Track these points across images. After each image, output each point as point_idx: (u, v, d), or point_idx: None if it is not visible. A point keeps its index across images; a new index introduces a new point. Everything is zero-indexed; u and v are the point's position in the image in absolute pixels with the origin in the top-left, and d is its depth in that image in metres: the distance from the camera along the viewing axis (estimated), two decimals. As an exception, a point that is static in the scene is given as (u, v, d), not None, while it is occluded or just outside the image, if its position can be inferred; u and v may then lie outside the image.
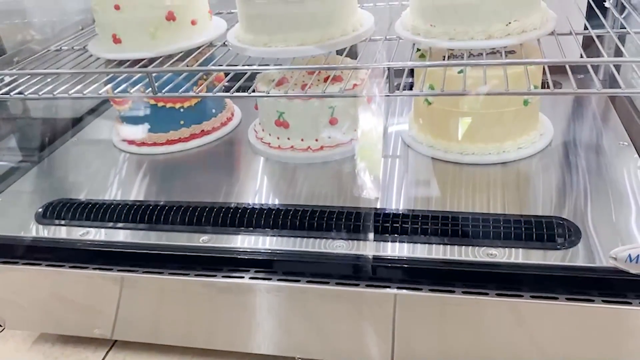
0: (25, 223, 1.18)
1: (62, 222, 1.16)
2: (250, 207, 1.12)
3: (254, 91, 1.23)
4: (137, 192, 1.24)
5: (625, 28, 1.17)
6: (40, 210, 1.21)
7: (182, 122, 1.40)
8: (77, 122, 1.61)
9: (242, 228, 1.08)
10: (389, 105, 1.47)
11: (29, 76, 1.22)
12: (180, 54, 1.31)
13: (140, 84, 1.21)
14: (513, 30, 1.10)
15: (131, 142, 1.43)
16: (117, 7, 1.26)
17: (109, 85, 1.21)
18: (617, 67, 1.25)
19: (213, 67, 1.26)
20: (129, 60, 1.29)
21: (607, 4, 1.37)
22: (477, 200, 1.08)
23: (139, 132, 1.41)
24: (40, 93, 1.16)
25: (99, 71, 1.25)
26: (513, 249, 0.95)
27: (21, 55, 1.41)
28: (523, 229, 0.97)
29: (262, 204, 1.14)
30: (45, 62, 1.38)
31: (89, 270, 1.07)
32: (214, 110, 1.45)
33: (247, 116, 1.52)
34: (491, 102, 1.16)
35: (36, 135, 1.54)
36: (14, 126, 1.56)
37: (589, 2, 1.39)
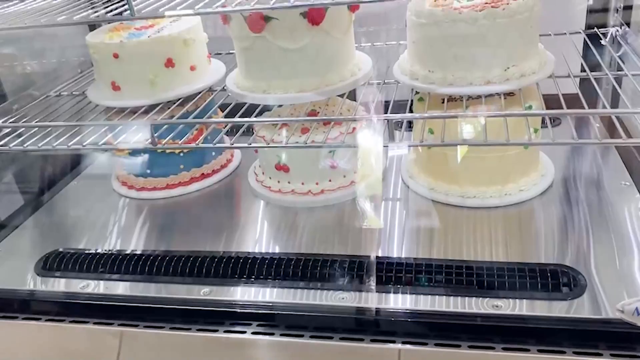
0: (25, 275, 1.17)
1: (62, 274, 1.15)
2: (251, 256, 1.11)
3: (254, 137, 1.24)
4: (137, 241, 1.24)
5: (622, 70, 1.18)
6: (40, 261, 1.20)
7: (182, 167, 1.39)
8: (76, 164, 1.61)
9: (244, 279, 1.07)
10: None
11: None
12: (180, 99, 1.31)
13: (140, 132, 1.21)
14: (512, 75, 1.10)
15: (131, 187, 1.42)
16: (115, 56, 1.26)
17: (109, 136, 1.21)
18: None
19: (212, 120, 1.27)
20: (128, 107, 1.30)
21: (603, 42, 1.38)
22: (480, 247, 1.07)
23: (139, 177, 1.40)
24: (39, 145, 1.16)
25: (98, 123, 1.25)
26: (518, 300, 0.94)
27: (21, 102, 1.41)
28: (528, 278, 0.96)
29: (263, 253, 1.13)
30: (45, 109, 1.38)
31: (90, 325, 1.06)
32: (213, 153, 1.45)
33: (247, 156, 1.51)
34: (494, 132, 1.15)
35: (35, 178, 1.54)
36: (12, 170, 1.56)
37: (585, 40, 1.40)
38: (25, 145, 1.16)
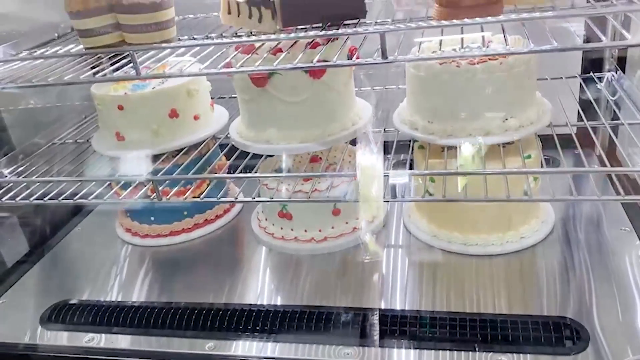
0: (29, 328, 1.17)
1: (67, 327, 1.16)
2: (255, 309, 1.11)
3: (258, 187, 1.26)
4: (140, 291, 1.24)
5: (618, 117, 1.20)
6: (44, 314, 1.20)
7: (185, 213, 1.41)
8: (80, 209, 1.62)
9: (247, 333, 1.07)
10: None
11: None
12: (185, 148, 1.33)
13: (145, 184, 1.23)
14: (510, 126, 1.12)
15: (135, 234, 1.43)
16: (120, 108, 1.28)
17: (116, 188, 1.23)
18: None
19: (215, 175, 1.29)
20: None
21: (599, 86, 1.40)
22: (483, 298, 1.07)
23: (143, 224, 1.42)
24: (45, 199, 1.17)
25: (100, 179, 1.27)
26: (522, 355, 0.94)
27: (26, 151, 1.43)
28: (531, 331, 0.97)
29: (266, 306, 1.13)
30: (50, 158, 1.40)
31: (94, 380, 1.06)
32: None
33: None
34: (491, 192, 1.17)
35: (39, 225, 1.55)
36: (17, 214, 1.56)
37: (581, 84, 1.43)
38: (31, 198, 1.18)
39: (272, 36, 1.03)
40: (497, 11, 1.03)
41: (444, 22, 0.94)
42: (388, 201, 1.03)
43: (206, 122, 1.38)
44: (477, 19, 0.92)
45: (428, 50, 1.21)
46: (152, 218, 1.40)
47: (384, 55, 0.92)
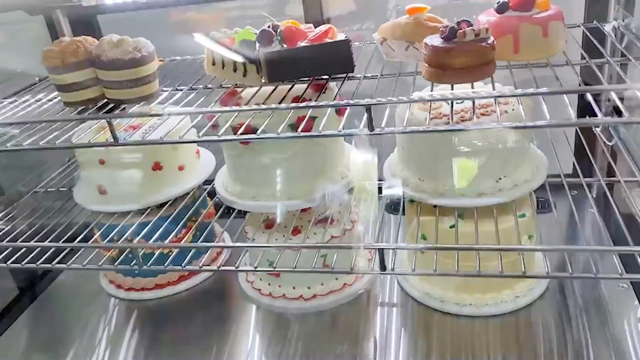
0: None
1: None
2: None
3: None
4: (126, 354, 1.20)
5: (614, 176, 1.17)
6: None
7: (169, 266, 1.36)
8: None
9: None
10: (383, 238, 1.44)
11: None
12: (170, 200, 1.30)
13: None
14: (504, 186, 1.08)
15: (119, 286, 1.39)
16: (102, 162, 1.24)
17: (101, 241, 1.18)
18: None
19: (201, 244, 1.29)
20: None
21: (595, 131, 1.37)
22: (478, 364, 1.04)
23: (127, 276, 1.37)
24: (22, 263, 1.13)
25: (85, 245, 1.22)
26: None
27: (6, 201, 1.39)
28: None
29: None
30: (32, 210, 1.36)
31: None
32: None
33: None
34: (487, 254, 1.13)
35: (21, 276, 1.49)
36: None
37: (577, 131, 1.40)
38: (8, 262, 1.14)
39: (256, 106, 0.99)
40: (488, 73, 0.99)
41: (434, 95, 0.91)
42: (382, 273, 0.98)
43: (192, 172, 1.34)
44: (468, 91, 0.88)
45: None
46: (136, 271, 1.36)
47: (370, 126, 0.88)
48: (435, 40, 0.99)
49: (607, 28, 1.26)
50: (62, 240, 1.19)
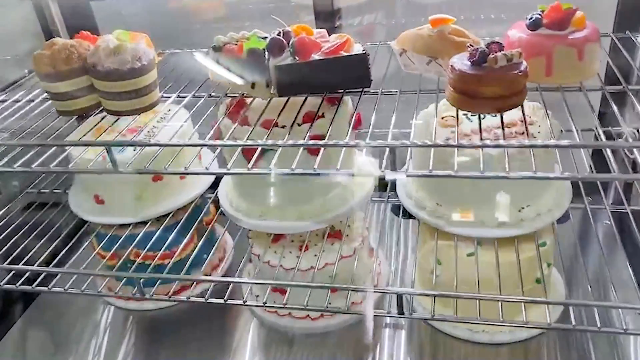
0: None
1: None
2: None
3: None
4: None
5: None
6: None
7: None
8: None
9: None
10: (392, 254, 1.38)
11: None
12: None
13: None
14: (526, 216, 1.03)
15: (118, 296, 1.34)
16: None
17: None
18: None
19: (196, 278, 1.23)
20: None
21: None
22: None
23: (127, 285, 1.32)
24: (17, 284, 1.07)
25: (88, 272, 1.17)
26: None
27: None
28: None
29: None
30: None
31: None
32: (205, 256, 1.36)
33: (239, 250, 1.41)
34: (504, 281, 1.08)
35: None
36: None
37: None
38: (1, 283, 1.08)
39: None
40: (519, 102, 0.92)
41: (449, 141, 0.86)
42: (396, 316, 0.94)
43: (193, 181, 1.27)
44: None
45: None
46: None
47: (392, 166, 0.82)
48: (463, 63, 0.91)
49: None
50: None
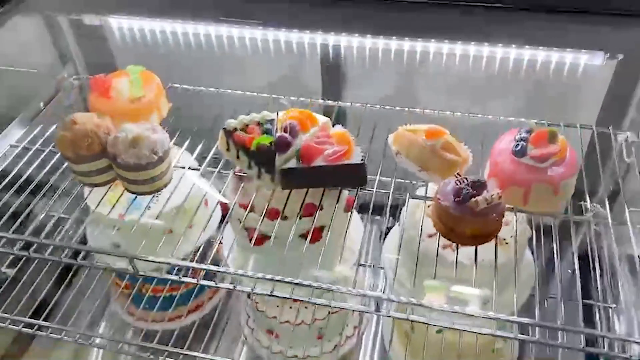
0: None
1: None
2: None
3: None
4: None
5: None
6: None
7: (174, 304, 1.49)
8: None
9: None
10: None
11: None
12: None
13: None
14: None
15: (130, 313, 1.52)
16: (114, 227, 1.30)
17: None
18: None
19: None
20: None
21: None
22: None
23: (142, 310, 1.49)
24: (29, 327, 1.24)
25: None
26: None
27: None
28: None
29: None
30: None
31: None
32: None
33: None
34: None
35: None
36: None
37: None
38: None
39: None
40: (495, 234, 1.04)
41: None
42: None
43: (200, 226, 1.39)
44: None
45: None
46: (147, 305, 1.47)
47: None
48: (448, 199, 1.01)
49: (620, 138, 1.27)
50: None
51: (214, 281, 1.11)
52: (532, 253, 1.21)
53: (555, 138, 1.07)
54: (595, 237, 1.23)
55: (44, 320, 1.30)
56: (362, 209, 1.34)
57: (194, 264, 1.08)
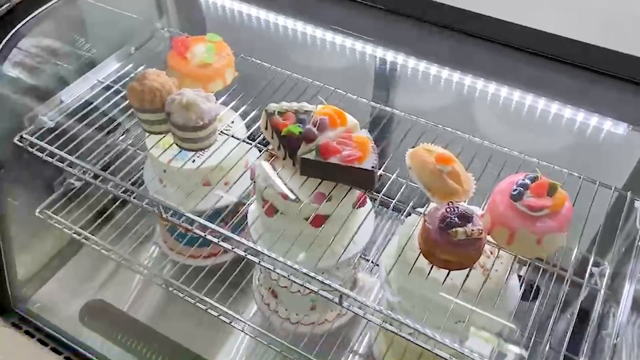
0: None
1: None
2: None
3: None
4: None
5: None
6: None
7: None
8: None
9: None
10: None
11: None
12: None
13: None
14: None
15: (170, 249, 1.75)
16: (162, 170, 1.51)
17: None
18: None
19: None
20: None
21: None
22: None
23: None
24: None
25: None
26: None
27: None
28: None
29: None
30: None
31: None
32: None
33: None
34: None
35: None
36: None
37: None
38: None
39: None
40: (469, 265, 1.12)
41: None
42: None
43: (235, 186, 1.54)
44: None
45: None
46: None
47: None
48: (434, 222, 1.11)
49: (637, 205, 1.28)
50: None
51: (230, 244, 1.28)
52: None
53: (554, 191, 1.13)
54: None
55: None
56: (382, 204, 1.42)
57: (213, 225, 1.24)
